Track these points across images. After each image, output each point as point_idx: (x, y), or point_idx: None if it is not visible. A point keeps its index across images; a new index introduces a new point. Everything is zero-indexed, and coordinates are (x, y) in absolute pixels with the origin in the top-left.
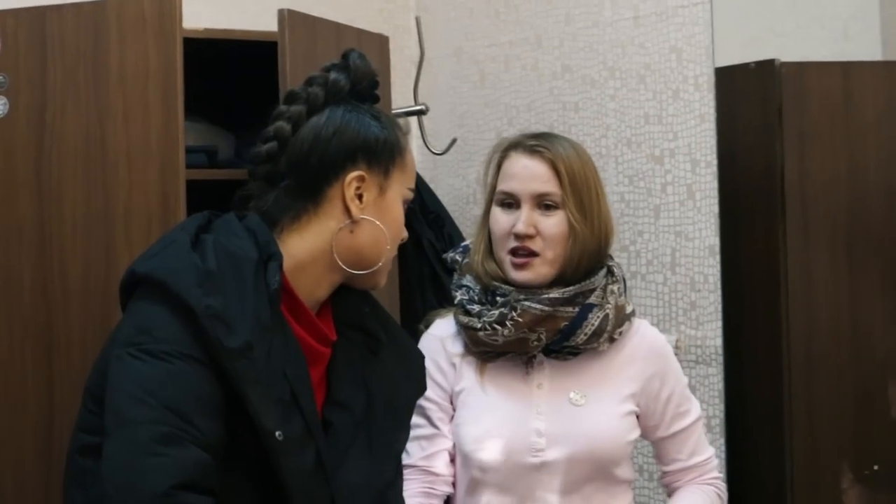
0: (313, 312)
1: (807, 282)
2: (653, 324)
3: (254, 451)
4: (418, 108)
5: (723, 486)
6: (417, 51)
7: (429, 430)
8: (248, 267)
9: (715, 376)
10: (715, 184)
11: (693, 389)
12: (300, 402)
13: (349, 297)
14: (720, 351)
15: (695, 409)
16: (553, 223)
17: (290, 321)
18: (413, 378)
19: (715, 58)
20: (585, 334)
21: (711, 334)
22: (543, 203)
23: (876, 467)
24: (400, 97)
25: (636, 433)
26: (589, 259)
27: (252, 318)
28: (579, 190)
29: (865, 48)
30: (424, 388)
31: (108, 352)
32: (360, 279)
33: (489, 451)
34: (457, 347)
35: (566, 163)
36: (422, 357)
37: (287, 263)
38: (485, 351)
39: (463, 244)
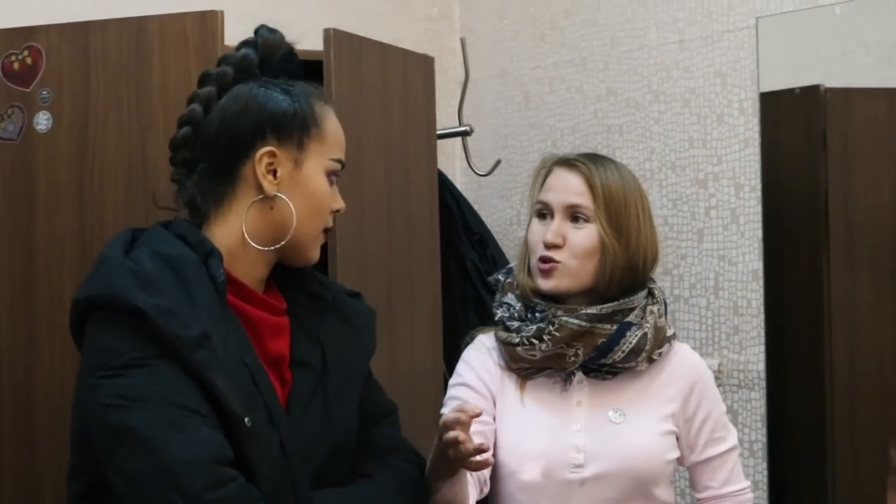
0: (259, 287)
1: (850, 307)
2: (695, 348)
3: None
4: (463, 129)
5: None
6: (462, 72)
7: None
8: (188, 266)
9: (757, 400)
10: (759, 208)
11: (735, 414)
12: (261, 389)
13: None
14: (763, 375)
15: (731, 438)
16: (582, 235)
17: (240, 305)
18: (361, 335)
19: (760, 83)
20: (623, 352)
21: (754, 359)
22: (574, 215)
23: None
24: (445, 118)
25: (675, 453)
26: (622, 277)
27: (203, 310)
28: (615, 207)
29: None
30: (374, 346)
31: (79, 392)
32: (289, 256)
33: (527, 465)
34: (501, 361)
35: (603, 179)
36: (372, 314)
37: (224, 253)
38: (523, 367)
39: (507, 266)
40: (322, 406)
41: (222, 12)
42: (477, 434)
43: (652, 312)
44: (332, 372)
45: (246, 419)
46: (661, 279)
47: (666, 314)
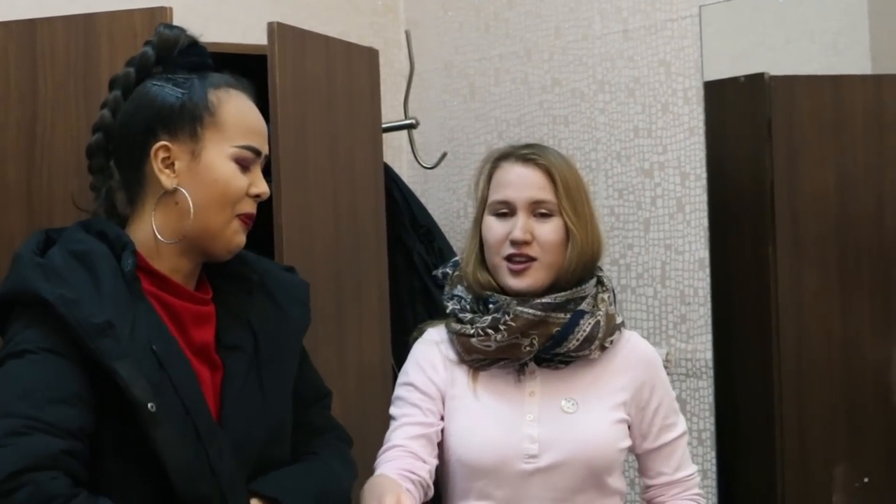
0: (188, 281)
1: (797, 294)
2: (643, 337)
3: (133, 434)
4: (408, 122)
5: (704, 502)
6: (407, 65)
7: (417, 418)
8: (98, 259)
9: (705, 389)
10: (704, 197)
11: (684, 402)
12: (171, 375)
13: None
14: (710, 364)
15: (681, 424)
16: (550, 229)
17: (161, 295)
18: (292, 310)
19: (704, 71)
20: (577, 340)
21: (702, 347)
22: (538, 211)
23: (866, 479)
24: (390, 111)
25: (627, 442)
26: (584, 267)
27: (109, 300)
28: (573, 198)
29: (855, 62)
30: (307, 320)
31: None
32: (206, 247)
33: (481, 455)
34: (450, 354)
35: (560, 171)
36: (304, 286)
37: (144, 248)
38: (477, 359)
39: (453, 259)
40: (257, 387)
41: (171, 8)
42: (421, 438)
43: (603, 300)
44: (265, 352)
45: (149, 405)
46: (609, 269)
47: (615, 302)
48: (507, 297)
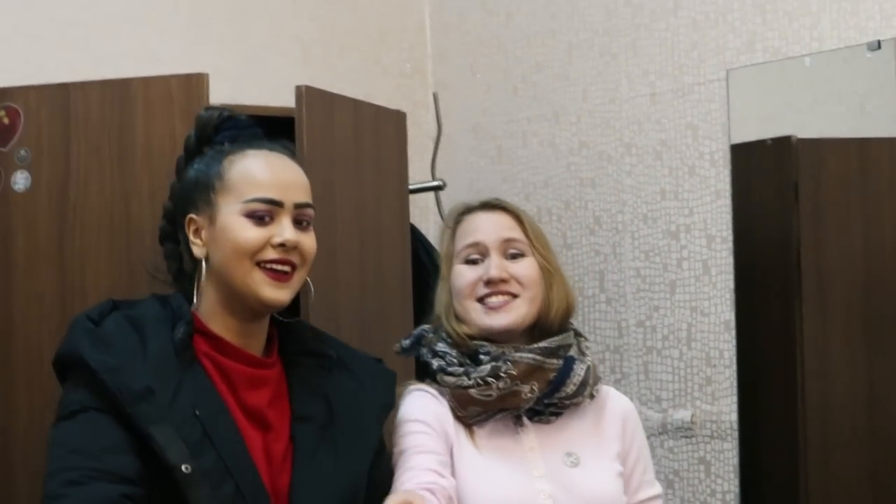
0: (245, 342)
1: (823, 358)
2: (668, 399)
3: (169, 490)
4: (435, 183)
5: None
6: (435, 126)
7: (428, 447)
8: (151, 325)
9: (730, 451)
10: (730, 259)
11: (708, 464)
12: (213, 438)
13: (291, 328)
14: (735, 426)
15: (657, 485)
16: (525, 266)
17: (216, 356)
18: (373, 387)
19: (731, 134)
20: (574, 384)
21: (727, 409)
22: (510, 251)
23: None
24: (417, 172)
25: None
26: (565, 311)
27: (154, 366)
28: (543, 243)
29: (882, 124)
30: (389, 400)
31: None
32: (242, 303)
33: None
34: (445, 409)
35: (526, 216)
36: (392, 373)
37: (204, 313)
38: (474, 413)
39: (419, 328)
40: (331, 458)
41: (207, 75)
42: (439, 465)
43: (588, 348)
44: (341, 425)
45: (183, 466)
46: (635, 331)
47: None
48: (501, 345)
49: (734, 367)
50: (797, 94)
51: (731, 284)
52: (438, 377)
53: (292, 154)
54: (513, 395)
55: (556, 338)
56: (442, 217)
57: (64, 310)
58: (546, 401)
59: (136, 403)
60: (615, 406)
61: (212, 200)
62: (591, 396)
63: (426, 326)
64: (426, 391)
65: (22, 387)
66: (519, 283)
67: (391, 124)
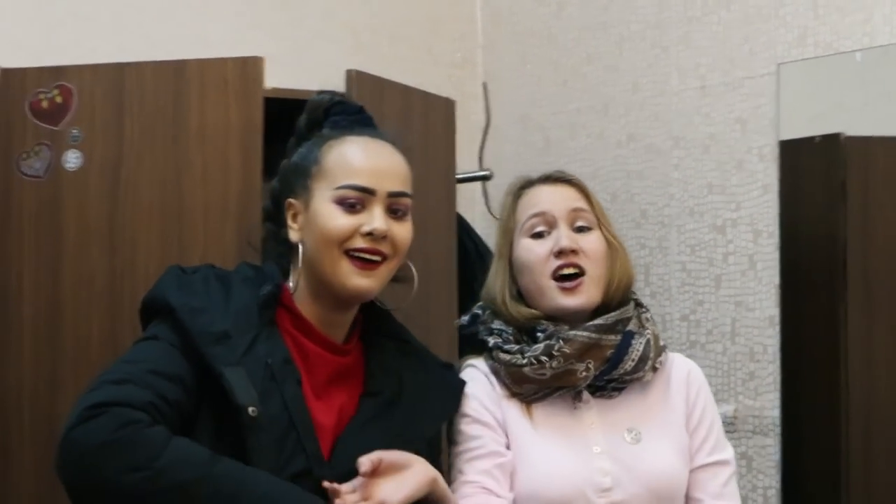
0: (330, 331)
1: (867, 355)
2: (711, 393)
3: (230, 443)
4: (483, 173)
5: None
6: (484, 117)
7: (486, 449)
8: (238, 281)
9: (772, 447)
10: (776, 255)
11: (750, 460)
12: (283, 389)
13: (377, 313)
14: (778, 422)
15: (729, 449)
16: (592, 240)
17: (299, 337)
18: (447, 390)
19: (780, 131)
20: (633, 360)
21: (769, 405)
22: (577, 224)
23: None
24: (465, 162)
25: (689, 466)
26: (626, 286)
27: (233, 317)
28: (606, 218)
29: None
30: (458, 405)
31: None
32: (331, 291)
33: (555, 489)
34: (498, 388)
35: (590, 189)
36: (462, 382)
37: (296, 296)
38: (530, 391)
39: (477, 305)
40: (382, 430)
41: (263, 59)
42: (494, 470)
43: (648, 320)
44: (406, 403)
45: (250, 409)
46: (679, 325)
47: (655, 324)
48: (556, 323)
49: (778, 362)
50: (848, 90)
51: (776, 280)
52: (494, 354)
53: (397, 141)
54: (567, 373)
55: (612, 314)
56: (489, 207)
57: (113, 290)
58: (606, 377)
59: (212, 345)
60: (679, 373)
61: (308, 186)
62: (654, 369)
63: (481, 304)
64: (478, 370)
65: (69, 366)
66: (587, 256)
67: (440, 112)
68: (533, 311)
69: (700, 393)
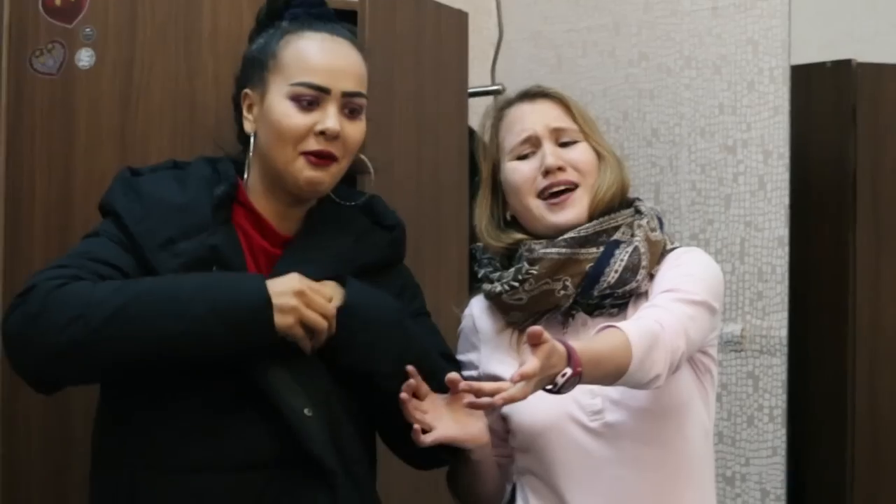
0: (282, 223)
1: (874, 278)
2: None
3: None
4: (495, 87)
5: (672, 307)
6: (496, 32)
7: None
8: (194, 181)
9: (779, 367)
10: (786, 175)
11: (756, 379)
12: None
13: (329, 205)
14: (785, 342)
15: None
16: (580, 151)
17: (249, 229)
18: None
19: (791, 56)
20: (616, 272)
21: (777, 325)
22: (562, 140)
23: None
24: (477, 77)
25: (698, 387)
26: (616, 195)
27: (182, 219)
28: (592, 128)
29: None
30: (392, 256)
31: None
32: (283, 184)
33: (542, 414)
34: (488, 326)
35: (571, 100)
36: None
37: (250, 189)
38: (520, 318)
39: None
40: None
41: None
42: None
43: (640, 226)
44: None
45: None
46: (688, 243)
47: (662, 228)
48: (530, 241)
49: (786, 282)
50: (859, 14)
51: (786, 201)
52: (482, 285)
53: (354, 40)
54: (545, 294)
55: (588, 224)
56: None
57: None
58: (593, 292)
59: (157, 251)
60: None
61: (264, 78)
62: (652, 277)
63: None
64: (469, 318)
65: None
66: (576, 169)
67: (453, 24)
68: (513, 234)
69: (665, 262)
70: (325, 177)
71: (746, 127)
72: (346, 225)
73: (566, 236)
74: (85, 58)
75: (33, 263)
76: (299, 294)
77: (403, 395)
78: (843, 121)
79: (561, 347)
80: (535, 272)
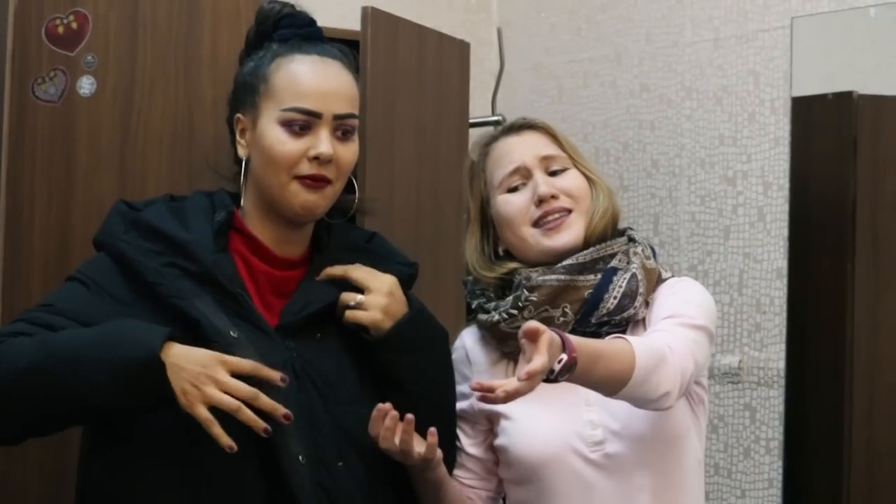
0: (281, 247)
1: (873, 311)
2: (717, 343)
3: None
4: (496, 118)
5: (678, 332)
6: (497, 63)
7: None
8: (193, 213)
9: (776, 398)
10: (786, 207)
11: (753, 411)
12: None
13: (341, 229)
14: (782, 374)
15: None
16: (571, 178)
17: (248, 256)
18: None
19: (793, 84)
20: (615, 297)
21: (775, 357)
22: (551, 169)
23: None
24: (478, 107)
25: (695, 416)
26: (610, 221)
27: (190, 250)
28: (579, 155)
29: None
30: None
31: None
32: (278, 210)
33: (539, 448)
34: (482, 358)
35: (556, 129)
36: (411, 270)
37: (246, 214)
38: (515, 348)
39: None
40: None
41: None
42: (468, 457)
43: (636, 254)
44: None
45: (231, 332)
46: (686, 275)
47: (655, 257)
48: (526, 269)
49: (784, 315)
50: (861, 47)
51: (785, 232)
52: (477, 316)
53: (345, 59)
54: (544, 322)
55: (586, 251)
56: None
57: None
58: (591, 319)
59: (174, 281)
60: None
61: (256, 103)
62: (647, 305)
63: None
64: (462, 350)
65: None
66: (569, 196)
67: (455, 54)
68: (507, 264)
69: (661, 291)
70: (320, 200)
71: (747, 158)
72: (362, 252)
73: (565, 263)
74: (86, 85)
75: (32, 288)
76: (207, 377)
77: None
78: (843, 152)
79: (556, 337)
80: (534, 299)
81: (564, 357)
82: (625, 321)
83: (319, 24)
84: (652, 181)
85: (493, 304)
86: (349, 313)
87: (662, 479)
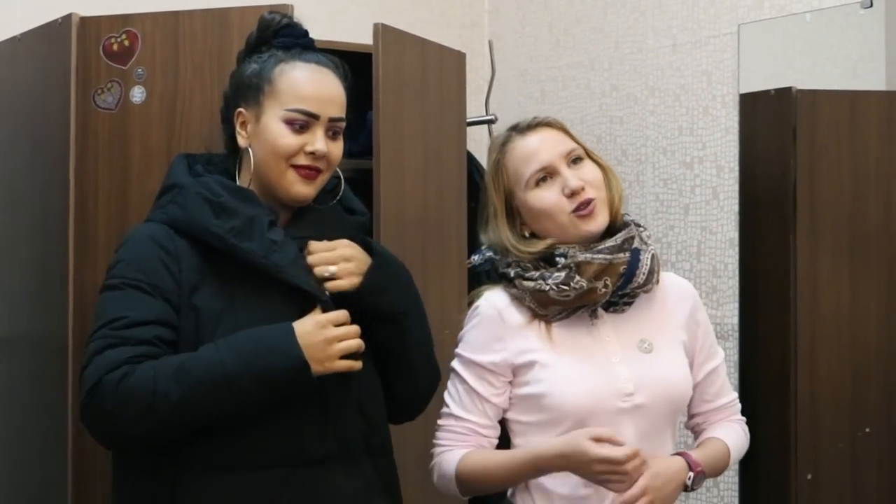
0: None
1: (812, 273)
2: None
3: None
4: (488, 118)
5: (746, 427)
6: (489, 71)
7: (476, 393)
8: (245, 193)
9: (731, 350)
10: (736, 187)
11: None
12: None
13: (317, 212)
14: (736, 328)
15: (720, 352)
16: (590, 170)
17: None
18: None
19: (741, 79)
20: (644, 273)
21: (729, 314)
22: (572, 160)
23: (868, 430)
24: (473, 110)
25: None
26: (619, 206)
27: (260, 228)
28: (586, 144)
29: (871, 81)
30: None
31: None
32: (274, 195)
33: (582, 399)
34: (515, 317)
35: (565, 124)
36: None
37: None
38: (554, 311)
39: (487, 255)
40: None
41: (292, 6)
42: (491, 406)
43: (649, 236)
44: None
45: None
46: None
47: None
48: (567, 247)
49: (736, 278)
50: (799, 48)
51: (736, 209)
52: (517, 283)
53: (336, 69)
54: (589, 292)
55: (620, 234)
56: None
57: None
58: (620, 292)
59: (270, 254)
60: (674, 286)
61: (260, 101)
62: (658, 282)
63: (492, 248)
64: (493, 309)
65: None
66: (591, 185)
67: (453, 64)
68: (546, 240)
69: (697, 306)
70: (312, 189)
71: (702, 146)
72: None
73: (608, 245)
74: (138, 94)
75: (98, 267)
76: (328, 341)
77: None
78: (784, 140)
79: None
80: (584, 275)
81: (692, 474)
82: (638, 293)
83: (337, 40)
84: (622, 168)
85: (537, 274)
86: (330, 284)
87: (671, 424)
